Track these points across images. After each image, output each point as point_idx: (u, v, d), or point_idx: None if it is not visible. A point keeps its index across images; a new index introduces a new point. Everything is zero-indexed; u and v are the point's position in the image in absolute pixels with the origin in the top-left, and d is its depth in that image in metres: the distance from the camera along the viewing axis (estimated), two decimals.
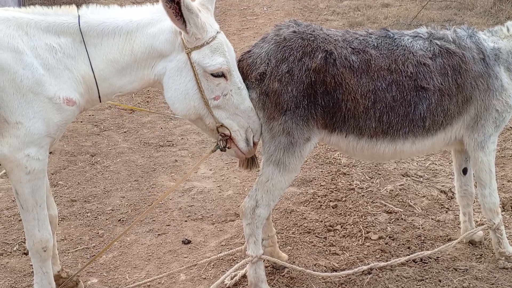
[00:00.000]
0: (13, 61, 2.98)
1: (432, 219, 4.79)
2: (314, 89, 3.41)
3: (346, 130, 3.54)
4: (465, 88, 3.61)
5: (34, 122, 3.03)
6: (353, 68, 3.45)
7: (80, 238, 4.72)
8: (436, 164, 5.81)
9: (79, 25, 3.15)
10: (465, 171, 4.21)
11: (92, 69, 3.18)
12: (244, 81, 3.46)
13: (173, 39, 3.23)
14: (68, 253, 4.50)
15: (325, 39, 3.48)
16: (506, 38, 3.85)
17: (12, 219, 5.00)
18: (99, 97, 3.29)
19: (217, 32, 3.28)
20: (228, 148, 3.46)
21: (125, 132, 6.97)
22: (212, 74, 3.25)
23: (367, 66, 3.47)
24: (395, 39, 3.62)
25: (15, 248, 4.56)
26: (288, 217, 4.87)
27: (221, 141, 3.42)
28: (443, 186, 5.35)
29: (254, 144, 3.50)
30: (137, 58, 3.24)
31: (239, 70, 3.46)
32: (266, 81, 3.43)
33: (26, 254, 4.48)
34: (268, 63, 3.44)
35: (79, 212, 5.14)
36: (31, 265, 4.28)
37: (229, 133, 3.39)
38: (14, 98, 2.98)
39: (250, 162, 3.82)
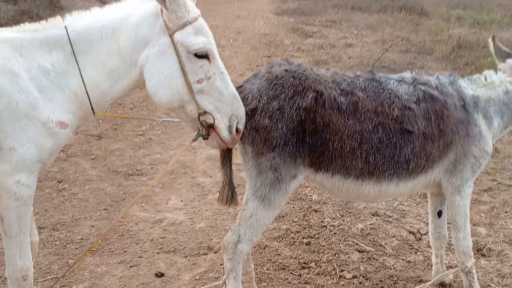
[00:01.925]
0: (9, 84, 2.93)
1: (403, 259, 4.87)
2: (303, 128, 3.46)
3: (332, 170, 3.60)
4: (446, 133, 3.73)
5: (27, 148, 2.97)
6: (341, 109, 3.53)
7: (49, 267, 4.59)
8: (403, 205, 5.94)
9: (68, 35, 3.12)
10: (440, 213, 4.31)
11: (83, 80, 3.13)
12: None
13: (154, 22, 3.18)
14: (37, 282, 4.36)
15: (316, 79, 3.56)
16: (483, 86, 4.02)
17: None
18: (92, 109, 3.23)
19: (199, 15, 3.25)
20: (209, 135, 3.33)
21: (92, 159, 6.87)
22: (196, 55, 3.17)
23: (355, 108, 3.55)
24: (381, 82, 3.72)
25: None
26: (262, 253, 4.86)
27: (202, 129, 3.29)
28: (411, 227, 5.46)
29: (238, 131, 3.37)
30: (123, 55, 3.18)
31: None
32: (256, 117, 3.47)
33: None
34: (259, 99, 3.49)
35: (47, 240, 5.01)
36: None
37: (212, 121, 3.27)
38: (8, 123, 2.92)
39: (229, 197, 3.78)
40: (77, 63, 3.13)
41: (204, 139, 3.35)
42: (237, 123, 3.33)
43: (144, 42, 3.20)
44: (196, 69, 3.20)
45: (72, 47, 3.12)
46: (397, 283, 4.49)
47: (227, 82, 3.29)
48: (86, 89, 3.15)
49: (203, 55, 3.20)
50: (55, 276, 4.46)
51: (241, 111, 3.34)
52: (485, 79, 4.07)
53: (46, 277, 4.45)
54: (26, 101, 2.96)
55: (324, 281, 4.47)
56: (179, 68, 3.18)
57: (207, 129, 3.30)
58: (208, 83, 3.23)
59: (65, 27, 3.15)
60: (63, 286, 4.35)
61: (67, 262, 4.66)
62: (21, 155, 2.96)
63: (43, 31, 3.14)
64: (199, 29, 3.21)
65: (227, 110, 3.29)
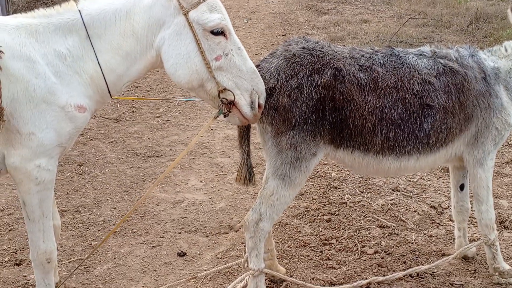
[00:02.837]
0: (26, 70, 2.95)
1: (425, 234, 4.86)
2: (322, 105, 3.45)
3: (352, 146, 3.58)
4: (467, 106, 3.69)
5: (46, 133, 3.00)
6: (361, 85, 3.50)
7: (73, 249, 4.66)
8: (424, 180, 5.90)
9: (82, 19, 3.13)
10: (462, 187, 4.29)
11: (99, 64, 3.14)
12: None
13: (167, 3, 3.18)
14: (62, 264, 4.43)
15: (334, 56, 3.53)
16: (504, 57, 3.96)
17: (2, 228, 4.90)
18: (109, 92, 3.25)
19: None
20: (230, 112, 3.32)
21: (112, 142, 6.91)
22: (212, 32, 3.17)
23: (374, 84, 3.52)
24: (400, 57, 3.69)
25: (6, 259, 4.47)
26: (283, 230, 4.88)
27: (223, 107, 3.28)
28: (432, 201, 5.43)
29: (259, 107, 3.37)
30: (138, 37, 3.19)
31: None
32: (275, 96, 3.46)
33: (18, 264, 4.41)
34: (277, 78, 3.47)
35: (70, 222, 5.07)
36: (24, 276, 4.25)
37: (232, 98, 3.26)
38: (27, 108, 2.94)
39: (247, 177, 3.78)
40: (93, 47, 3.14)
41: (224, 116, 3.35)
42: (258, 98, 3.33)
43: (159, 24, 3.20)
44: (214, 46, 3.20)
45: (86, 31, 3.13)
46: (419, 257, 4.48)
47: (245, 58, 3.29)
48: (102, 72, 3.16)
49: (219, 32, 3.18)
50: (79, 257, 4.52)
51: (261, 85, 3.34)
52: (505, 50, 4.01)
53: (70, 259, 4.51)
54: (44, 86, 2.97)
55: (345, 257, 4.48)
56: (196, 46, 3.18)
57: (228, 106, 3.29)
58: (226, 60, 3.22)
59: (79, 11, 3.16)
60: (88, 267, 4.41)
61: (91, 244, 4.72)
62: (41, 140, 2.99)
63: (57, 16, 3.15)
64: (213, 6, 3.20)
65: (247, 85, 3.28)
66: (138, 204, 3.68)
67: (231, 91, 3.25)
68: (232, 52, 3.24)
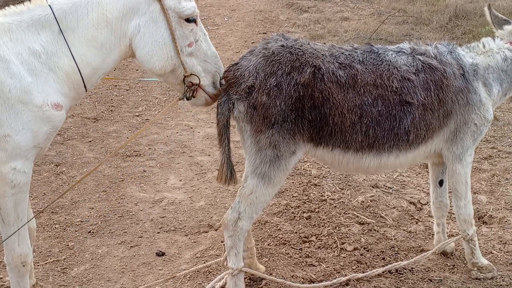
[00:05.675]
0: (0, 70, 2.88)
1: (404, 230, 4.87)
2: (302, 104, 3.43)
3: (332, 144, 3.57)
4: (446, 103, 3.70)
5: (23, 134, 2.94)
6: (340, 83, 3.49)
7: (50, 251, 4.59)
8: (403, 176, 5.92)
9: (54, 14, 3.08)
10: (441, 183, 4.31)
11: (74, 58, 3.10)
12: (231, 94, 3.49)
13: None
14: (38, 265, 4.36)
15: (313, 54, 3.51)
16: (482, 54, 3.99)
17: None
18: (85, 86, 3.20)
19: None
20: (194, 97, 3.47)
21: (90, 141, 6.82)
22: (187, 20, 3.27)
23: (354, 81, 3.52)
24: (380, 54, 3.68)
25: None
26: (262, 228, 4.86)
27: (188, 90, 3.42)
28: (411, 197, 5.44)
29: (221, 85, 3.55)
30: (113, 27, 3.18)
31: (226, 81, 3.49)
32: (254, 94, 3.43)
33: None
34: (256, 76, 3.44)
35: (47, 223, 4.99)
36: (0, 278, 4.16)
37: (197, 81, 3.40)
38: (2, 110, 2.88)
39: (228, 176, 3.73)
40: (66, 41, 3.08)
41: (187, 99, 3.47)
42: (220, 79, 3.51)
43: (133, 11, 3.20)
44: (187, 33, 3.29)
45: (59, 26, 3.07)
46: (399, 254, 4.49)
47: (209, 43, 3.46)
48: (77, 66, 3.11)
49: (193, 19, 3.28)
50: (55, 259, 4.45)
51: (222, 68, 3.53)
52: (483, 46, 4.03)
53: (47, 260, 4.44)
54: (19, 86, 2.91)
55: (325, 254, 4.47)
56: (170, 33, 3.24)
57: (194, 90, 3.42)
58: (196, 46, 3.36)
59: (50, 6, 3.09)
60: (64, 268, 4.35)
61: (67, 245, 4.65)
62: (17, 141, 2.93)
63: (29, 12, 3.09)
64: None
65: (211, 68, 3.45)
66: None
67: (196, 75, 3.37)
68: (201, 38, 3.37)
